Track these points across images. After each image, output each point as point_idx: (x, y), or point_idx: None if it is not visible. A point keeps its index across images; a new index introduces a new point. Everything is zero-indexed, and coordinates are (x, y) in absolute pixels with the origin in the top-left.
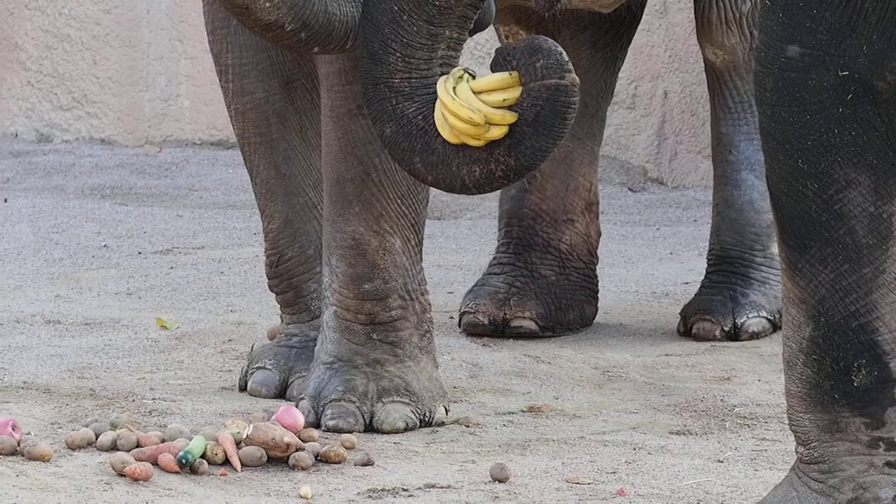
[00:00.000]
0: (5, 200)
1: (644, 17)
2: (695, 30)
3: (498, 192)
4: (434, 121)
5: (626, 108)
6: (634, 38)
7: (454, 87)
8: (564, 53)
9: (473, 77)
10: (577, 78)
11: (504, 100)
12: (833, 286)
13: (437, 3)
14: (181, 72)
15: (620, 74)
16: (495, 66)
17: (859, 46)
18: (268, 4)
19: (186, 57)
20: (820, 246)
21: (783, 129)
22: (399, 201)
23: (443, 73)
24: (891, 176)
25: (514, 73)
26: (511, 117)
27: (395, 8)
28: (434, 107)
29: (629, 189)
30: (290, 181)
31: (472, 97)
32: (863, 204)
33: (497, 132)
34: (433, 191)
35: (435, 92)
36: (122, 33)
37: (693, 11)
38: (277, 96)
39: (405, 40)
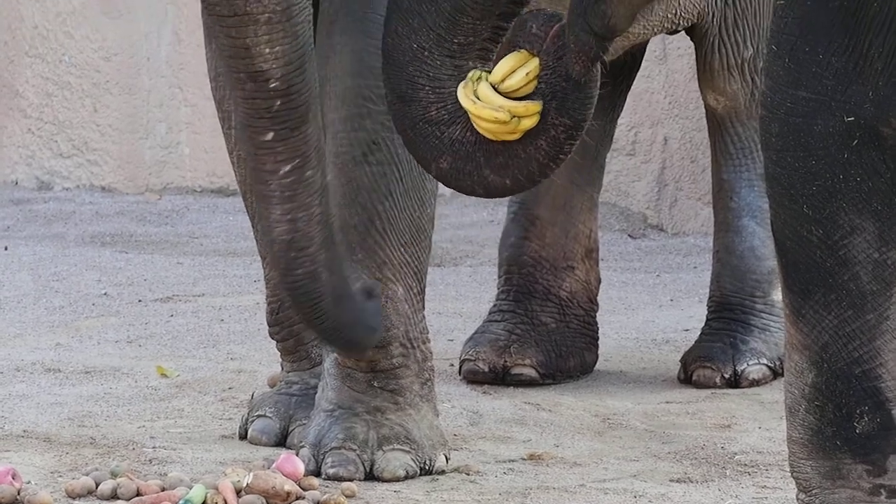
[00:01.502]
0: (6, 248)
1: (644, 63)
2: (695, 76)
3: (497, 239)
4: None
5: (626, 155)
6: (635, 84)
7: (475, 91)
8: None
9: (489, 73)
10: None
11: (527, 74)
12: (836, 332)
13: (457, 40)
14: (181, 119)
15: (620, 121)
16: (500, 54)
17: (865, 92)
18: (267, 51)
19: (187, 104)
20: (824, 292)
21: (788, 175)
22: (402, 249)
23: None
24: (894, 223)
25: (522, 50)
26: (535, 106)
27: (416, 46)
28: (471, 123)
29: (629, 236)
30: None
31: (493, 95)
32: (867, 250)
33: (528, 122)
34: (433, 237)
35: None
36: (122, 81)
37: (694, 58)
38: None
39: (431, 74)
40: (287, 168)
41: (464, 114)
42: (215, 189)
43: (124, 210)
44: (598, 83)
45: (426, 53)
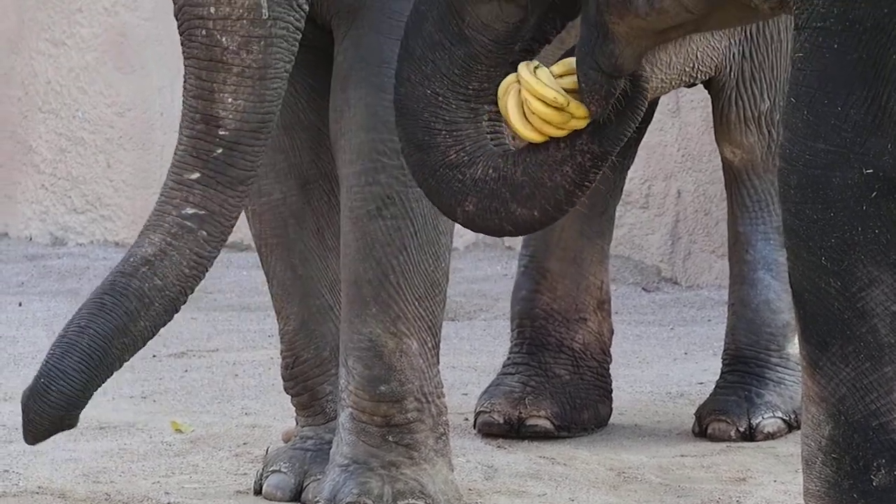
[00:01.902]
0: (20, 304)
1: (657, 116)
2: (708, 129)
3: (510, 292)
4: (507, 164)
5: (640, 208)
6: (648, 137)
7: (535, 70)
8: None
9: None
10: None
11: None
12: (854, 385)
13: (473, 85)
14: None
15: (634, 174)
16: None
17: (884, 144)
18: (238, 102)
19: None
20: (841, 344)
21: (806, 226)
22: (416, 303)
23: (493, 139)
24: None
25: None
26: (587, 111)
27: (429, 92)
28: (492, 161)
29: (643, 289)
30: (306, 283)
31: (553, 81)
32: (885, 302)
33: (577, 123)
34: (447, 291)
35: (491, 150)
36: (135, 136)
37: (707, 111)
38: (295, 197)
39: (448, 118)
40: (190, 212)
41: (483, 153)
42: (229, 244)
43: None
44: (638, 121)
45: (440, 99)
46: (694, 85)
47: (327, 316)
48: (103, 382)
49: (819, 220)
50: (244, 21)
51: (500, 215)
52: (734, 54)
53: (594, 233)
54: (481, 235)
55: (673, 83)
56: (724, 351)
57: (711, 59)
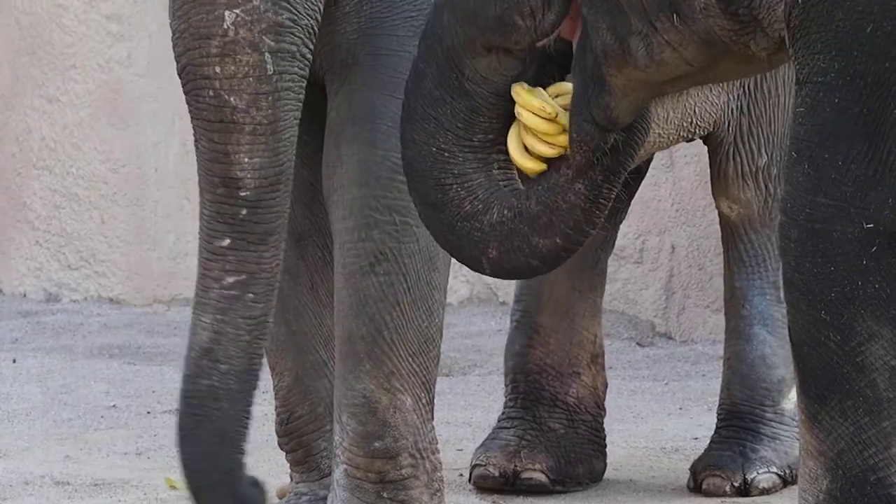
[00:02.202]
0: (14, 361)
1: (651, 171)
2: (702, 184)
3: (504, 347)
4: (520, 200)
5: (634, 263)
6: (642, 192)
7: (527, 88)
8: None
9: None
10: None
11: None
12: (852, 439)
13: (478, 137)
14: (189, 230)
15: (628, 229)
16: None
17: (885, 199)
18: (245, 161)
19: (194, 215)
20: (840, 398)
21: (806, 280)
22: (410, 359)
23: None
24: None
25: None
26: None
27: (435, 150)
28: (506, 202)
29: (637, 344)
30: (300, 338)
31: (545, 95)
32: (884, 357)
33: (566, 138)
34: (442, 347)
35: (504, 193)
36: (130, 192)
37: (700, 165)
38: (289, 253)
39: (457, 171)
40: (231, 280)
41: (497, 197)
42: None
43: (132, 321)
44: (647, 134)
45: (447, 155)
46: (692, 140)
47: (322, 372)
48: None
49: (819, 273)
50: (250, 79)
51: (524, 252)
52: (732, 109)
53: (586, 287)
54: (475, 290)
55: (671, 139)
56: (720, 406)
57: (710, 114)
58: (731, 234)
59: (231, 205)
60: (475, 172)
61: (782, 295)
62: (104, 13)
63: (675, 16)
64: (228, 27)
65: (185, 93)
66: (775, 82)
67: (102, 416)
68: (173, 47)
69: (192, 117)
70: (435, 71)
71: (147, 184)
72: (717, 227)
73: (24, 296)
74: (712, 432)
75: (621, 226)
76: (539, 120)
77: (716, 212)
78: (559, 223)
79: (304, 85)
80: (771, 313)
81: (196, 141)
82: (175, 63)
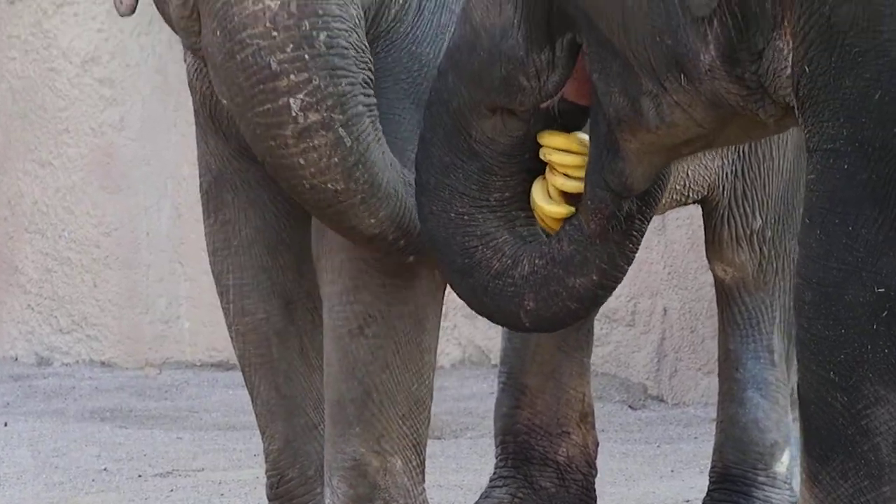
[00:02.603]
0: (5, 424)
1: None
2: (693, 246)
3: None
4: (551, 246)
5: (626, 326)
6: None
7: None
8: None
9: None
10: None
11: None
12: (851, 501)
13: (494, 196)
14: (181, 293)
15: (620, 291)
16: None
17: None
18: (372, 221)
19: (186, 278)
20: (842, 459)
21: (817, 341)
22: (400, 422)
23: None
24: None
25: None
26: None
27: (454, 216)
28: (535, 252)
29: (629, 407)
30: (290, 402)
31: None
32: (889, 422)
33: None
34: (433, 409)
35: (530, 245)
36: (121, 255)
37: (692, 228)
38: (278, 316)
39: (480, 232)
40: None
41: (525, 251)
42: (215, 363)
43: (124, 385)
44: (661, 199)
45: (467, 218)
46: (686, 204)
47: (312, 435)
48: None
49: (830, 336)
50: (335, 159)
51: (562, 296)
52: (727, 173)
53: (571, 347)
54: (467, 353)
55: (666, 203)
56: (712, 468)
57: (704, 178)
58: (726, 297)
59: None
60: (498, 230)
61: (776, 359)
62: (97, 77)
63: (682, 76)
64: (297, 114)
65: (278, 181)
66: (769, 146)
67: (94, 480)
68: (242, 131)
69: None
70: (442, 137)
71: (139, 247)
72: (709, 289)
73: (16, 359)
74: (704, 495)
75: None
76: (566, 156)
77: (707, 274)
78: (594, 259)
79: (380, 132)
80: (764, 377)
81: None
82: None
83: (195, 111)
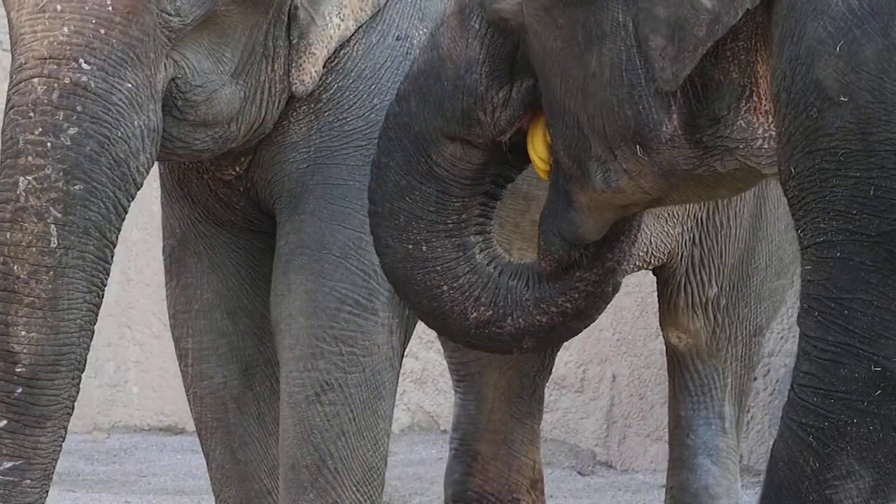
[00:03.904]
0: None
1: None
2: (642, 314)
3: (443, 476)
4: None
5: (575, 392)
6: None
7: None
8: None
9: None
10: None
11: None
12: None
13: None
14: (130, 358)
15: (569, 358)
16: None
17: (894, 347)
18: (22, 334)
19: (135, 343)
20: None
21: (805, 407)
22: (354, 489)
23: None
24: (893, 478)
25: None
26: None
27: (411, 247)
28: (520, 308)
29: (578, 473)
30: (245, 467)
31: None
32: (856, 498)
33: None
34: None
35: (515, 297)
36: None
37: (643, 295)
38: (236, 381)
39: (441, 267)
40: (7, 466)
41: (507, 303)
42: (163, 427)
43: (72, 449)
44: (615, 262)
45: (425, 248)
46: (648, 269)
47: (266, 500)
48: None
49: (818, 403)
50: (33, 249)
51: (564, 331)
52: (686, 241)
53: (523, 413)
54: (416, 419)
55: (627, 269)
56: None
57: (665, 244)
58: (678, 363)
59: (6, 381)
60: (457, 263)
61: (727, 426)
62: None
63: (637, 147)
64: (20, 193)
65: None
66: (727, 213)
67: None
68: None
69: None
70: (401, 160)
71: None
72: (658, 356)
73: None
74: None
75: (562, 354)
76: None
77: (657, 341)
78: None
79: (102, 266)
80: (715, 444)
81: None
82: None
83: (161, 175)
